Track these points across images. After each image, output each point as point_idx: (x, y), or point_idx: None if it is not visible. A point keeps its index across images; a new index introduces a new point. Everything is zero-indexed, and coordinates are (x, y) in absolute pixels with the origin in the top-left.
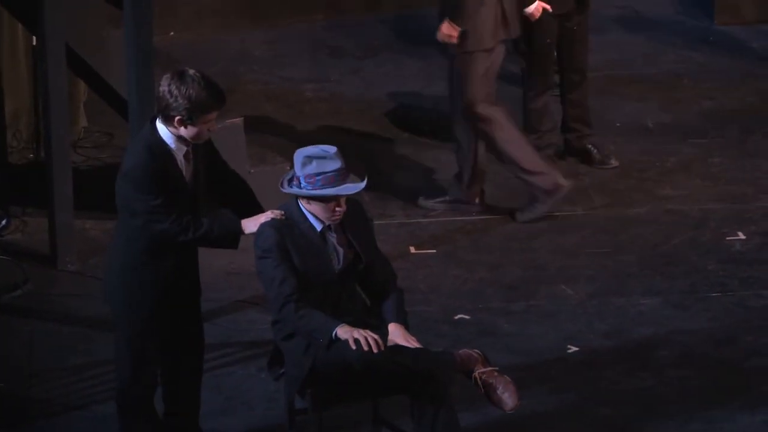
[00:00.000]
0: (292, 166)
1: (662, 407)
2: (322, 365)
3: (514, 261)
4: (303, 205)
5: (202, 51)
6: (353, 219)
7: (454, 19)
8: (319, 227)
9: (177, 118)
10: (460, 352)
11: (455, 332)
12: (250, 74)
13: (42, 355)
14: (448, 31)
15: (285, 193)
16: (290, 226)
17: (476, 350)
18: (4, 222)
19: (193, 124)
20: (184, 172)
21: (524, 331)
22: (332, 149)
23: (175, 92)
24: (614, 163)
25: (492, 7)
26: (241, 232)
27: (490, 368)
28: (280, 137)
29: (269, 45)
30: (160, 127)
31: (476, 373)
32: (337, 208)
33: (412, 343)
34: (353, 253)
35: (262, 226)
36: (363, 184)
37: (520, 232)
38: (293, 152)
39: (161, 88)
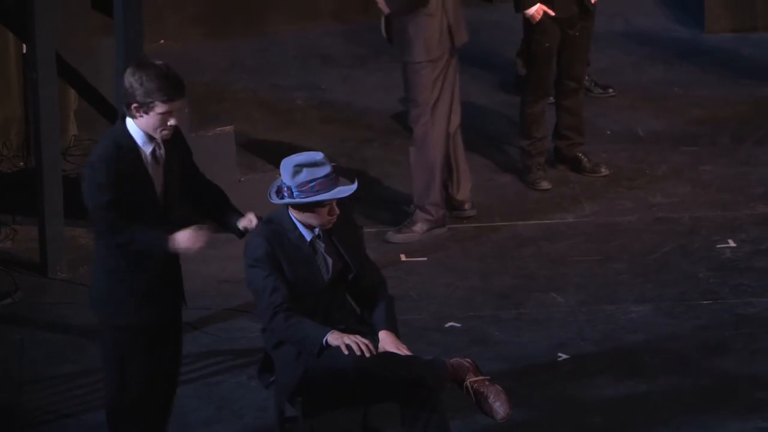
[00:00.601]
0: (280, 177)
1: (653, 414)
2: (313, 373)
3: (504, 269)
4: (294, 214)
5: (192, 59)
6: (342, 228)
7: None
8: (309, 237)
9: (133, 105)
10: (452, 360)
11: (446, 340)
12: (240, 82)
13: (33, 363)
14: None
15: (275, 204)
16: (280, 235)
17: (467, 359)
18: None
19: (147, 112)
20: (150, 171)
21: (515, 339)
22: (319, 155)
23: (131, 79)
24: (604, 171)
25: (437, 18)
26: (164, 248)
27: (481, 377)
28: (270, 145)
29: (259, 53)
30: (129, 122)
31: (468, 382)
32: (330, 213)
33: (402, 350)
34: (342, 262)
35: (252, 235)
36: (355, 186)
37: (510, 241)
38: (281, 171)
39: (125, 82)
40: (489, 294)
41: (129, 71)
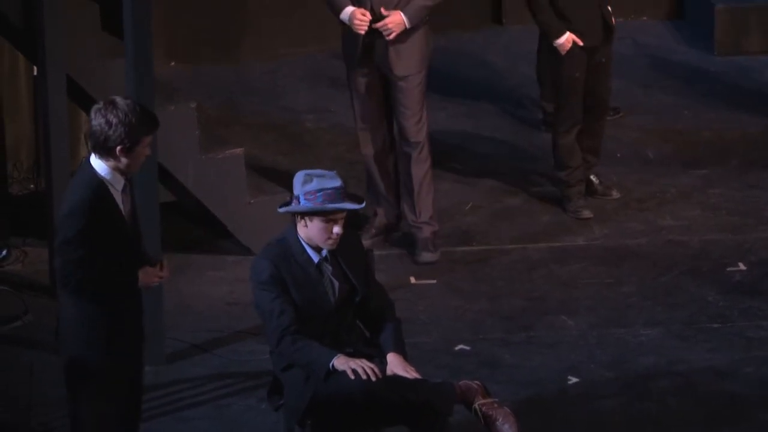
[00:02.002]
0: (291, 197)
1: None
2: (321, 396)
3: (514, 292)
4: (300, 234)
5: (202, 81)
6: (350, 251)
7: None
8: (316, 259)
9: (119, 147)
10: (460, 383)
11: (455, 363)
12: (249, 105)
13: (41, 385)
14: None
15: (282, 213)
16: (287, 257)
17: (476, 381)
18: (4, 253)
19: (132, 150)
20: (122, 208)
21: (525, 362)
22: (332, 172)
23: (113, 121)
24: (616, 194)
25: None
26: (134, 285)
27: (490, 399)
28: (280, 168)
29: (269, 76)
30: (97, 163)
31: (476, 405)
32: (335, 229)
33: (411, 373)
34: (349, 285)
35: (258, 258)
36: (363, 204)
37: (520, 263)
38: (293, 183)
39: (95, 123)
40: (498, 317)
41: (104, 115)
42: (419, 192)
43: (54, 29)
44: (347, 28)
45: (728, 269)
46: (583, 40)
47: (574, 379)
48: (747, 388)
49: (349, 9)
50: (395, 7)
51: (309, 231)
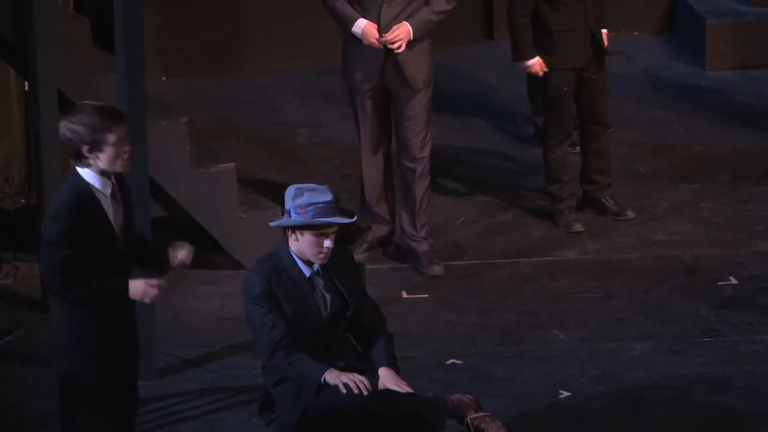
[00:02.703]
0: (282, 211)
1: None
2: (313, 410)
3: (506, 306)
4: (292, 248)
5: (194, 96)
6: (341, 265)
7: None
8: (308, 273)
9: (85, 148)
10: (452, 397)
11: (447, 377)
12: (242, 120)
13: (34, 399)
14: None
15: (273, 228)
16: (278, 272)
17: (468, 395)
18: None
19: (101, 149)
20: (111, 216)
21: (516, 376)
22: (324, 186)
23: (73, 127)
24: (630, 214)
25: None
26: (123, 294)
27: (482, 413)
28: (272, 183)
29: (260, 90)
30: (82, 171)
31: (468, 419)
32: (325, 243)
33: (403, 387)
34: (341, 299)
35: (249, 273)
36: (354, 219)
37: (512, 278)
38: (285, 197)
39: (62, 135)
40: (490, 331)
41: (63, 124)
42: (420, 207)
43: (45, 44)
44: (352, 48)
45: (720, 283)
46: (570, 60)
47: (565, 393)
48: (739, 402)
49: (362, 21)
50: (403, 20)
51: (300, 245)
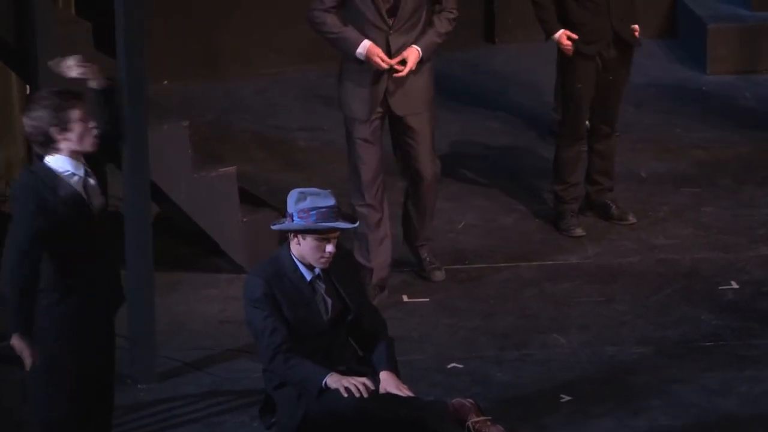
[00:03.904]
0: (283, 214)
1: None
2: (314, 414)
3: (507, 310)
4: (293, 252)
5: (194, 99)
6: (342, 269)
7: None
8: (309, 277)
9: (54, 129)
10: (453, 401)
11: (448, 381)
12: (241, 123)
13: None
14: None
15: (276, 230)
16: (279, 275)
17: (469, 399)
18: None
19: (68, 128)
20: (84, 194)
21: (517, 380)
22: (327, 190)
23: (35, 114)
24: (632, 219)
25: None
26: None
27: (483, 417)
28: (273, 186)
29: (261, 94)
30: (52, 160)
31: (469, 422)
32: (327, 248)
33: (404, 391)
34: (342, 303)
35: (250, 276)
36: (356, 224)
37: (513, 282)
38: (286, 201)
39: (27, 128)
40: (491, 335)
41: (24, 119)
42: (426, 219)
43: (47, 48)
44: (353, 76)
45: (721, 288)
46: (586, 47)
47: (566, 397)
48: (740, 407)
49: (366, 43)
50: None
51: (302, 249)
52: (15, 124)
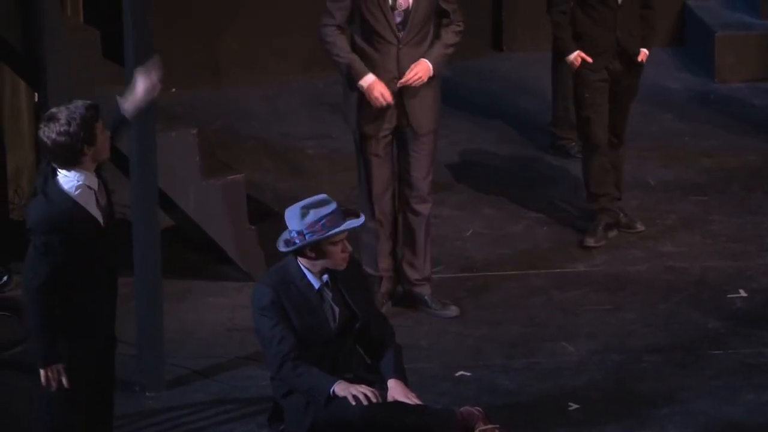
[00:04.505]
0: (289, 232)
1: None
2: (322, 422)
3: (514, 318)
4: (303, 263)
5: (202, 107)
6: (350, 277)
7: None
8: (317, 285)
9: (84, 146)
10: (461, 409)
11: (456, 389)
12: (249, 130)
13: None
14: None
15: (285, 252)
16: (287, 284)
17: (478, 407)
18: (5, 278)
19: (94, 141)
20: (96, 207)
21: (525, 389)
22: (321, 195)
23: (64, 129)
24: (640, 227)
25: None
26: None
27: (491, 425)
28: (280, 194)
29: (269, 101)
30: (70, 176)
31: (477, 431)
32: (345, 246)
33: (412, 399)
34: (349, 311)
35: (258, 285)
36: (362, 218)
37: (520, 289)
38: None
39: (50, 139)
40: (499, 343)
41: (48, 132)
42: (426, 252)
43: (56, 56)
44: (360, 90)
45: (729, 296)
46: (595, 63)
47: (574, 406)
48: (748, 415)
49: (370, 78)
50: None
51: (318, 263)
52: (24, 131)
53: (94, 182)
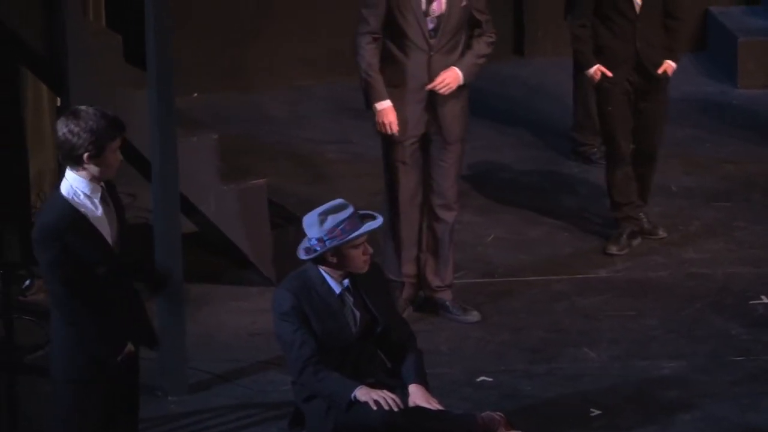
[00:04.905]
0: (308, 240)
1: None
2: (343, 427)
3: (536, 323)
4: (323, 268)
5: (224, 112)
6: (371, 282)
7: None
8: (338, 290)
9: (86, 155)
10: (483, 414)
11: (477, 395)
12: (271, 135)
13: None
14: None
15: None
16: (308, 289)
17: (499, 413)
18: (27, 282)
19: (101, 156)
20: (99, 221)
21: (547, 394)
22: (338, 201)
23: (76, 130)
24: (662, 233)
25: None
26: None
27: (512, 431)
28: (301, 199)
29: (290, 106)
30: (71, 176)
31: None
32: (366, 249)
33: (433, 404)
34: (370, 315)
35: (279, 290)
36: (381, 219)
37: (542, 295)
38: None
39: (59, 134)
40: (521, 348)
41: (66, 126)
42: (449, 260)
43: (77, 60)
44: (395, 98)
45: (751, 302)
46: (615, 77)
47: (596, 412)
48: None
49: (387, 103)
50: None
51: (341, 263)
52: (46, 135)
53: (97, 194)
